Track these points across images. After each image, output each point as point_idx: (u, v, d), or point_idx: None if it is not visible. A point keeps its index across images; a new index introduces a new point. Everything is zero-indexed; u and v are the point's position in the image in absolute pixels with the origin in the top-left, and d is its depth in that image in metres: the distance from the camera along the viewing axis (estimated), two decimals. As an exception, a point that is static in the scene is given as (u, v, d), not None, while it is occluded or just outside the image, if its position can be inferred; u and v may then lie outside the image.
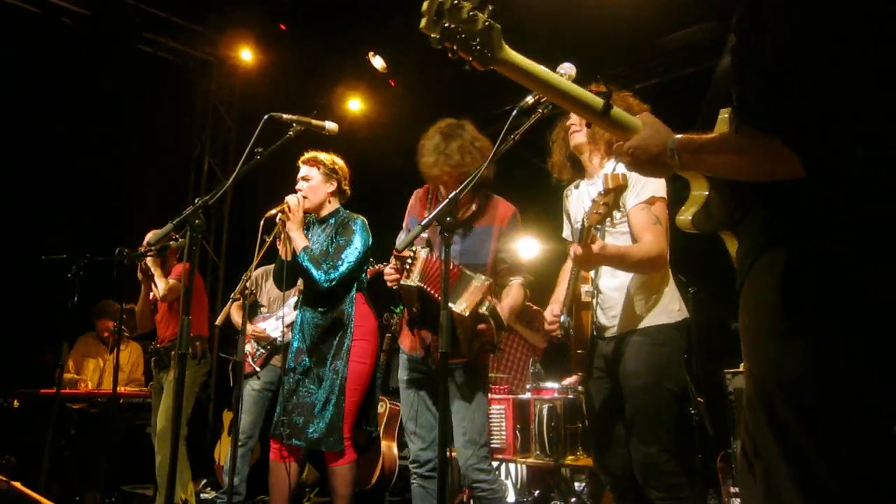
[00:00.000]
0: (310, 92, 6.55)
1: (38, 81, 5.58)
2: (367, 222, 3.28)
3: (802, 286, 1.21)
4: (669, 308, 2.35)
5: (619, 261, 2.28)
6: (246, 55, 6.57)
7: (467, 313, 2.44)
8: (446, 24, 1.28)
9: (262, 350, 4.47)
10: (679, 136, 1.39)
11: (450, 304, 2.48)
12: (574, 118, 2.49)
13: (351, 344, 3.12)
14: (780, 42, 1.18)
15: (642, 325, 2.33)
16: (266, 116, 2.50)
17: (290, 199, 3.14)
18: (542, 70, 1.40)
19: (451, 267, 2.60)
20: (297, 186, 3.25)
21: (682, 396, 2.27)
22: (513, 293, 2.70)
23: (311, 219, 3.34)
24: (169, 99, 6.75)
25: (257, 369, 4.45)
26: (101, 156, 5.99)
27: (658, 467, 2.22)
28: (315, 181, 3.26)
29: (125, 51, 6.20)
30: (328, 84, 6.61)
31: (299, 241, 3.11)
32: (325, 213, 3.30)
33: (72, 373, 4.97)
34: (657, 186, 2.32)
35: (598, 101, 1.43)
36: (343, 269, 3.09)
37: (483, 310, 2.46)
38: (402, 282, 2.58)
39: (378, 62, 6.10)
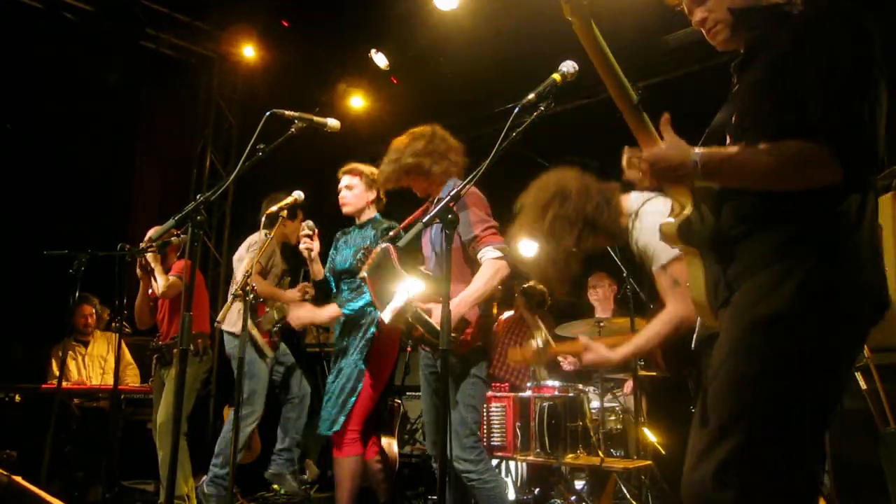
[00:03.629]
0: (312, 89, 6.55)
1: (40, 77, 5.59)
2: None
3: (820, 302, 1.33)
4: None
5: (638, 348, 2.25)
6: (248, 52, 6.57)
7: (387, 320, 2.56)
8: None
9: (277, 325, 4.35)
10: (701, 149, 1.44)
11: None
12: None
13: (374, 337, 3.21)
14: (828, 68, 1.35)
15: None
16: (268, 113, 2.50)
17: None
18: (604, 43, 1.52)
19: (395, 257, 2.66)
20: (341, 195, 3.44)
21: None
22: (476, 277, 2.59)
23: (353, 228, 3.52)
24: (171, 95, 6.76)
25: (268, 355, 4.38)
26: (104, 151, 6.00)
27: None
28: (359, 189, 3.45)
29: (127, 47, 6.20)
30: (330, 81, 6.61)
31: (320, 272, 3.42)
32: (364, 218, 3.48)
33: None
34: (668, 249, 2.13)
35: (634, 94, 1.49)
36: (361, 302, 3.24)
37: (408, 317, 2.53)
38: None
39: (380, 59, 6.09)
